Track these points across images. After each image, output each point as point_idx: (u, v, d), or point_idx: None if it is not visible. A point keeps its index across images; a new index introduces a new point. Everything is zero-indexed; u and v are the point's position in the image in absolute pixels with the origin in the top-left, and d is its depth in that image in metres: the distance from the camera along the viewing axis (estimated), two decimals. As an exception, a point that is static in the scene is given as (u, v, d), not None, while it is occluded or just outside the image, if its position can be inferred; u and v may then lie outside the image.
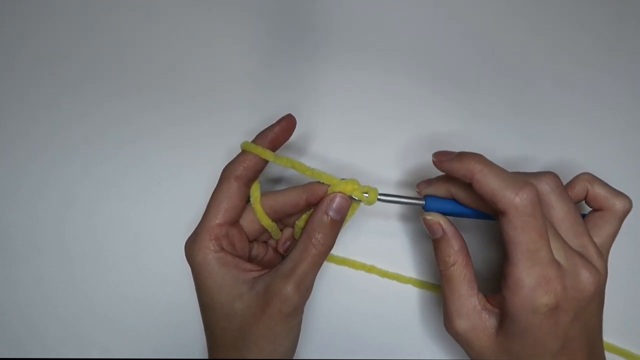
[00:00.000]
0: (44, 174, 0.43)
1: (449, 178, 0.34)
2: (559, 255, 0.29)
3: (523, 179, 0.28)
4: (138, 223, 0.42)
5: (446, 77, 0.45)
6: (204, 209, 0.40)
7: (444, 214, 0.33)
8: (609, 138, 0.43)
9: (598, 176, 0.42)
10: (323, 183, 0.33)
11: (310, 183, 0.34)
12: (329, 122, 0.44)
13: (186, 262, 0.38)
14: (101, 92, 0.45)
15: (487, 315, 0.30)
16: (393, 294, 0.41)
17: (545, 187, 0.31)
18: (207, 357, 0.35)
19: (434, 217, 0.32)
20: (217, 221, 0.33)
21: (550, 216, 0.31)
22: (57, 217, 0.42)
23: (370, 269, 0.41)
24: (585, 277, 0.29)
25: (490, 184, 0.28)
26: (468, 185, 0.30)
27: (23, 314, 0.41)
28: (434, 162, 0.32)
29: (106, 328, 0.41)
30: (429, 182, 0.35)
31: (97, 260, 0.42)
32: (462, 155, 0.30)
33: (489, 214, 0.33)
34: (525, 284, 0.28)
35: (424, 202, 0.34)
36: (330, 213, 0.32)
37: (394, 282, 0.41)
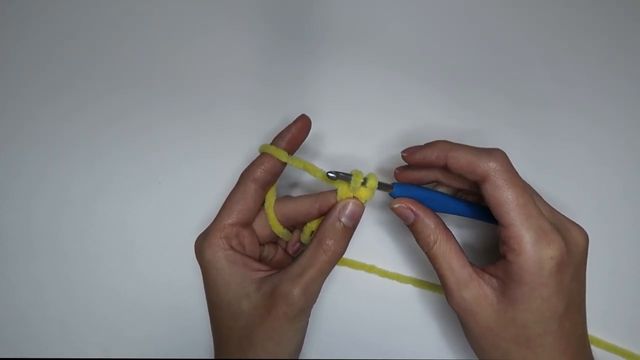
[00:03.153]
0: (39, 173, 0.43)
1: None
2: (547, 214, 0.30)
3: (489, 149, 0.31)
4: (137, 223, 0.42)
5: (446, 72, 0.45)
6: (205, 209, 0.40)
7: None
8: (610, 132, 0.43)
9: (597, 173, 0.42)
10: (335, 190, 0.33)
11: (323, 192, 0.34)
12: (329, 117, 0.43)
13: (186, 263, 0.38)
14: (99, 88, 0.45)
15: (485, 284, 0.30)
16: (393, 294, 0.41)
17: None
18: (208, 357, 0.35)
19: (402, 203, 0.32)
20: (229, 221, 0.33)
21: None
22: (53, 217, 0.42)
23: (370, 269, 0.41)
24: (576, 232, 0.30)
25: (465, 156, 0.30)
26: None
27: (20, 314, 0.41)
28: (404, 157, 0.33)
29: (104, 329, 0.41)
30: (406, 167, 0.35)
31: (94, 261, 0.41)
32: (430, 143, 0.32)
33: (467, 192, 0.33)
34: (526, 239, 0.28)
35: (392, 189, 0.33)
36: (343, 219, 0.32)
37: (394, 282, 0.41)
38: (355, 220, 0.32)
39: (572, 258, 0.29)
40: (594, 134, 0.43)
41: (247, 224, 0.34)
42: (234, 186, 0.34)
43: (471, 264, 0.31)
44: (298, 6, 0.46)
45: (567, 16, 0.46)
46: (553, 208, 0.32)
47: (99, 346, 0.40)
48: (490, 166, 0.29)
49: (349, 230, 0.32)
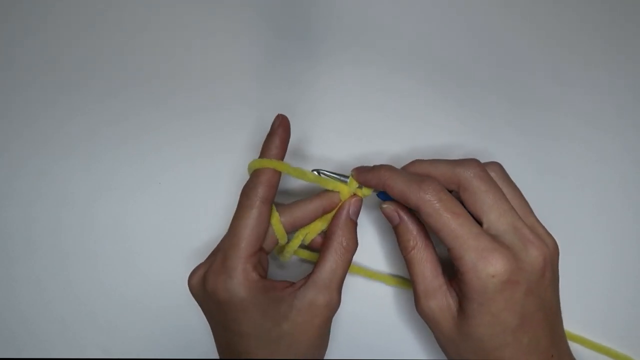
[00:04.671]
0: (39, 173, 0.43)
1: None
2: (504, 230, 0.30)
3: (421, 178, 0.31)
4: (137, 224, 0.42)
5: (446, 74, 0.44)
6: (205, 209, 0.41)
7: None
8: (609, 133, 0.43)
9: (597, 174, 0.42)
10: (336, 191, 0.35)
11: (325, 192, 0.35)
12: (329, 117, 0.43)
13: (186, 263, 0.38)
14: (99, 89, 0.44)
15: (450, 296, 0.31)
16: (385, 294, 0.41)
17: (493, 174, 0.33)
18: (207, 357, 0.35)
19: (390, 205, 0.34)
20: (253, 250, 0.32)
21: None
22: (53, 217, 0.42)
23: (358, 270, 0.41)
24: (533, 250, 0.30)
25: (398, 186, 0.31)
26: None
27: (20, 314, 0.41)
28: (353, 175, 0.35)
29: (104, 329, 0.41)
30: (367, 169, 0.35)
31: (94, 261, 0.41)
32: (374, 167, 0.34)
33: None
34: (466, 260, 0.29)
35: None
36: (352, 217, 0.34)
37: (382, 283, 0.41)
38: (358, 214, 0.35)
39: (523, 275, 0.29)
40: (594, 134, 0.43)
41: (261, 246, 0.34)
42: (241, 209, 0.32)
43: (444, 274, 0.32)
44: (299, 6, 0.46)
45: (567, 17, 0.46)
46: (526, 216, 0.32)
47: (99, 346, 0.40)
48: (420, 197, 0.30)
49: (356, 226, 0.35)
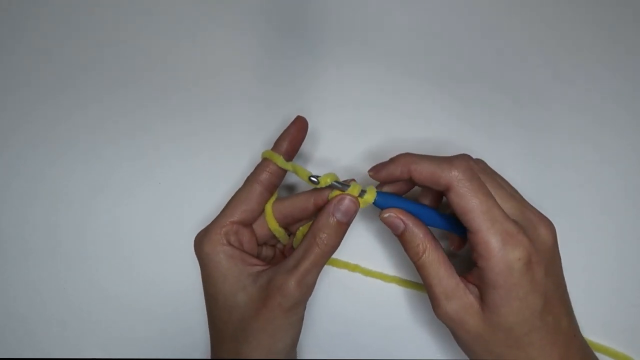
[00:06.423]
0: (37, 173, 0.43)
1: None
2: (513, 214, 0.31)
3: (450, 157, 0.31)
4: (136, 224, 0.42)
5: (445, 71, 0.45)
6: (205, 209, 0.41)
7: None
8: (610, 130, 0.43)
9: (598, 171, 0.42)
10: (330, 187, 0.34)
11: (318, 188, 0.34)
12: (328, 115, 0.43)
13: (186, 264, 0.38)
14: (98, 87, 0.44)
15: (469, 293, 0.31)
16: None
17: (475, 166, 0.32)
18: (207, 358, 0.35)
19: (392, 213, 0.33)
20: (231, 219, 0.34)
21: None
22: (52, 217, 0.42)
23: (354, 268, 0.41)
24: (543, 229, 0.31)
25: (427, 168, 0.31)
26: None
27: (19, 315, 0.41)
28: (371, 176, 0.34)
29: (104, 330, 0.41)
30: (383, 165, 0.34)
31: (93, 262, 0.41)
32: (393, 158, 0.33)
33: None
34: (493, 244, 0.29)
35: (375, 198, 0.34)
36: (337, 215, 0.32)
37: (378, 281, 0.41)
38: (349, 216, 0.33)
39: (541, 255, 0.30)
40: (594, 131, 0.43)
41: (248, 224, 0.35)
42: (240, 187, 0.35)
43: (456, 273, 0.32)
44: (298, 4, 0.46)
45: (567, 14, 0.46)
46: (523, 202, 0.32)
47: (98, 346, 0.40)
48: (452, 175, 0.30)
49: (343, 226, 0.33)
